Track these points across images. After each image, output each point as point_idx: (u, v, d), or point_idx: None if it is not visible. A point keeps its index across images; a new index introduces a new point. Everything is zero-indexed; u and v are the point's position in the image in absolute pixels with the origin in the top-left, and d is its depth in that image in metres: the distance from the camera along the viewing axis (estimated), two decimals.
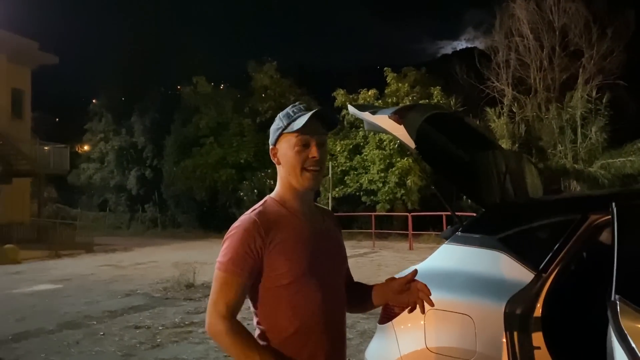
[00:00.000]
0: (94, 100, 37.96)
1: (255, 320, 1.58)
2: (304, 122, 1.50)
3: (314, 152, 1.53)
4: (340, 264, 1.69)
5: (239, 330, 1.45)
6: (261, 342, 1.53)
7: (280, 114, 1.60)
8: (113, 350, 5.80)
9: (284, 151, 1.57)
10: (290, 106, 1.60)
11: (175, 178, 29.53)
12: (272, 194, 1.63)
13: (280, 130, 1.57)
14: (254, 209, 1.58)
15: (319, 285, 1.55)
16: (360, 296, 1.80)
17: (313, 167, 1.54)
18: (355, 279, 1.87)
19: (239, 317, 1.49)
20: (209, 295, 1.52)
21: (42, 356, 5.60)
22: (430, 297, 1.66)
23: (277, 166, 1.62)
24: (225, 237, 1.55)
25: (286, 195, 1.60)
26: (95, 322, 7.15)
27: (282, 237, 1.52)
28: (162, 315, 7.55)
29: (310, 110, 1.55)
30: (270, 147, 1.62)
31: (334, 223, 1.75)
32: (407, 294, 1.69)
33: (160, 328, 6.74)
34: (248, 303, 1.59)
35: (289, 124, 1.55)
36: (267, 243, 1.50)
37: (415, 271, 1.73)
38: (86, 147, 38.34)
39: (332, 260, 1.63)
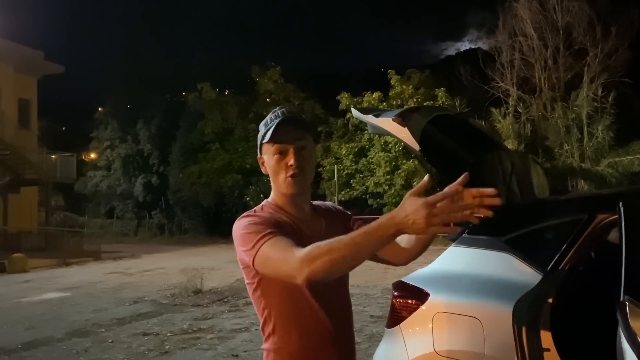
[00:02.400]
0: (99, 109, 38.13)
1: (265, 341, 1.57)
2: (270, 132, 1.51)
3: (290, 159, 1.52)
4: None
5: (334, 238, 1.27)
6: (269, 353, 1.53)
7: (262, 123, 1.60)
8: (122, 357, 5.81)
9: (267, 160, 1.57)
10: (271, 112, 1.59)
11: (182, 184, 29.63)
12: (269, 199, 1.63)
13: (260, 140, 1.59)
14: (253, 210, 1.58)
15: (320, 293, 1.52)
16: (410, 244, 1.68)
17: (292, 173, 1.52)
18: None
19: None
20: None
21: None
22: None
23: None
24: (238, 233, 1.48)
25: (280, 202, 1.60)
26: (103, 330, 7.16)
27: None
28: (170, 321, 7.56)
29: (290, 114, 1.55)
30: (258, 156, 1.63)
31: (341, 218, 1.72)
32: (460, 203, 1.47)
33: (168, 335, 6.75)
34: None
35: (265, 134, 1.55)
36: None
37: (467, 175, 1.40)
38: (92, 155, 38.51)
39: None
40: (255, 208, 1.61)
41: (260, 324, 1.58)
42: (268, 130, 1.53)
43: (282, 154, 1.53)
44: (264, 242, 1.39)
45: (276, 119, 1.54)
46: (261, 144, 1.58)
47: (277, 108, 1.60)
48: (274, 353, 1.53)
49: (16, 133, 20.71)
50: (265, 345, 1.56)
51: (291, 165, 1.52)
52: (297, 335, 1.51)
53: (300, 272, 1.27)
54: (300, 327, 1.51)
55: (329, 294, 1.55)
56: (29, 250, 16.84)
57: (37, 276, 13.99)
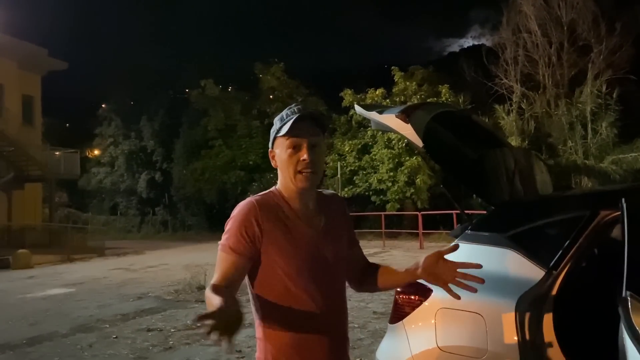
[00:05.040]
0: (103, 105, 38.18)
1: (257, 330, 1.60)
2: (289, 126, 1.54)
3: (304, 154, 1.55)
4: (339, 266, 1.66)
5: (218, 286, 1.46)
6: (261, 343, 1.57)
7: (277, 117, 1.63)
8: (126, 353, 5.84)
9: (279, 154, 1.60)
10: (287, 108, 1.62)
11: (185, 181, 29.70)
12: (278, 187, 1.65)
13: (274, 134, 1.61)
14: (257, 195, 1.63)
15: (314, 288, 1.55)
16: (377, 279, 1.78)
17: (305, 169, 1.55)
18: None
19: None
20: None
21: None
22: (471, 281, 1.61)
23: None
24: (228, 220, 1.59)
25: (286, 194, 1.62)
26: (107, 326, 7.20)
27: (278, 231, 1.55)
28: (173, 317, 7.59)
29: (306, 111, 1.58)
30: (269, 150, 1.65)
31: (340, 211, 1.74)
32: (441, 270, 1.63)
33: (172, 330, 6.77)
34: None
35: (280, 128, 1.58)
36: (264, 231, 1.53)
37: (456, 246, 1.67)
38: (96, 152, 38.59)
39: (329, 263, 1.61)
40: (260, 193, 1.64)
41: (253, 313, 1.62)
42: (284, 124, 1.56)
43: (296, 148, 1.56)
44: (221, 249, 1.57)
45: (293, 114, 1.56)
46: (275, 137, 1.60)
47: (294, 105, 1.63)
48: (264, 342, 1.57)
49: (20, 129, 20.79)
50: (257, 335, 1.60)
51: (304, 160, 1.55)
52: (288, 324, 1.54)
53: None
54: (290, 316, 1.54)
55: (323, 282, 1.58)
56: (33, 247, 16.90)
57: (41, 272, 14.06)
